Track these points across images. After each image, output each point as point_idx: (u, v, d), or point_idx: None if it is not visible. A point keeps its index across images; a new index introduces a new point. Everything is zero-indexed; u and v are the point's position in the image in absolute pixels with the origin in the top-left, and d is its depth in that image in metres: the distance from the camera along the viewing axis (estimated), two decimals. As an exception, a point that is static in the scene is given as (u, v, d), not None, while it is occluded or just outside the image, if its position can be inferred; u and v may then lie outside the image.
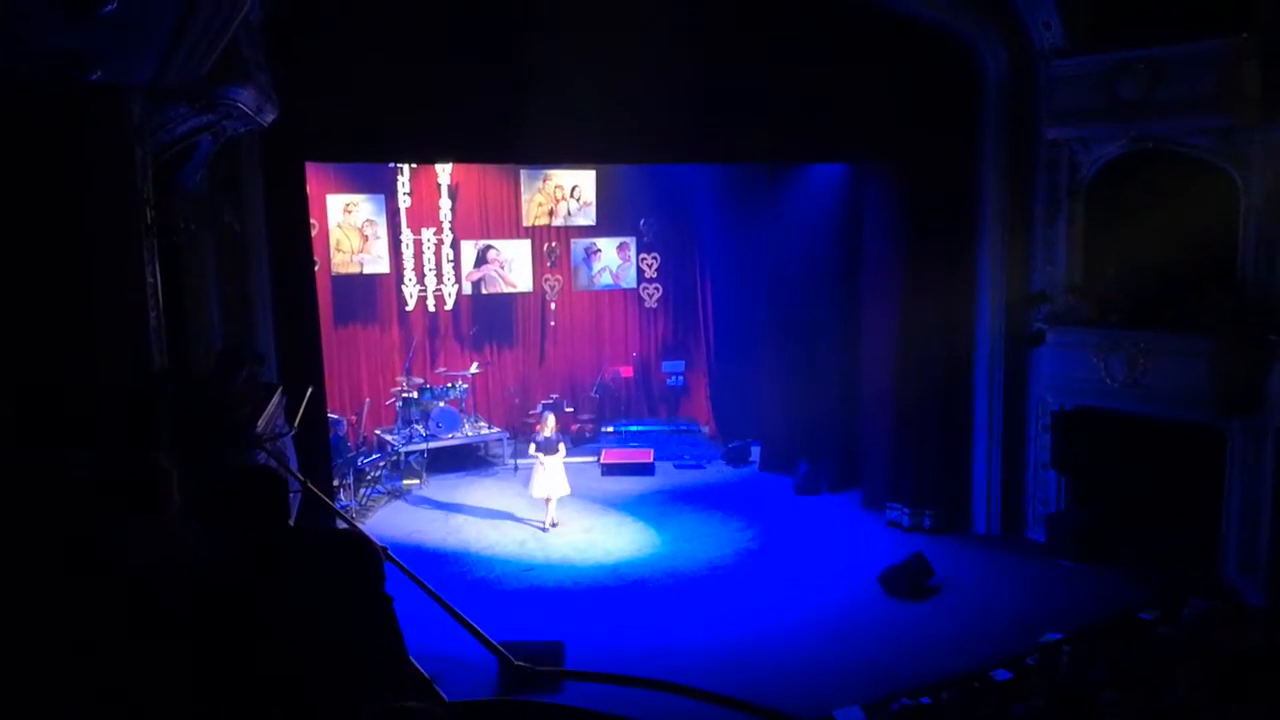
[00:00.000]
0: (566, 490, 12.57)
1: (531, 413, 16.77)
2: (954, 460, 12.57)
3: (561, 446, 12.57)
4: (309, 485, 6.95)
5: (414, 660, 3.69)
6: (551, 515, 12.45)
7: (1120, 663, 7.86)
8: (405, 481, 14.44)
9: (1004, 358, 12.20)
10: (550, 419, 12.63)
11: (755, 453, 15.59)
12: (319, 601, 2.86)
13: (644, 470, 14.92)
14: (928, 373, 12.48)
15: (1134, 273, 10.99)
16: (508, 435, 15.91)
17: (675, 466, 15.46)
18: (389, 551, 3.69)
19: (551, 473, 12.35)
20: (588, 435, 16.82)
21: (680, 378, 17.53)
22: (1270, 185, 10.11)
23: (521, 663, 8.16)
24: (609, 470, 14.90)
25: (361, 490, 13.43)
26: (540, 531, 12.28)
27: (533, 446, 12.56)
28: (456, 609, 6.75)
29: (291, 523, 3.66)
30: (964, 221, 12.24)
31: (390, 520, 13.00)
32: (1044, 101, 11.50)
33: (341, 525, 8.32)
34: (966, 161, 12.14)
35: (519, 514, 12.94)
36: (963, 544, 12.14)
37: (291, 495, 7.32)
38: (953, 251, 12.28)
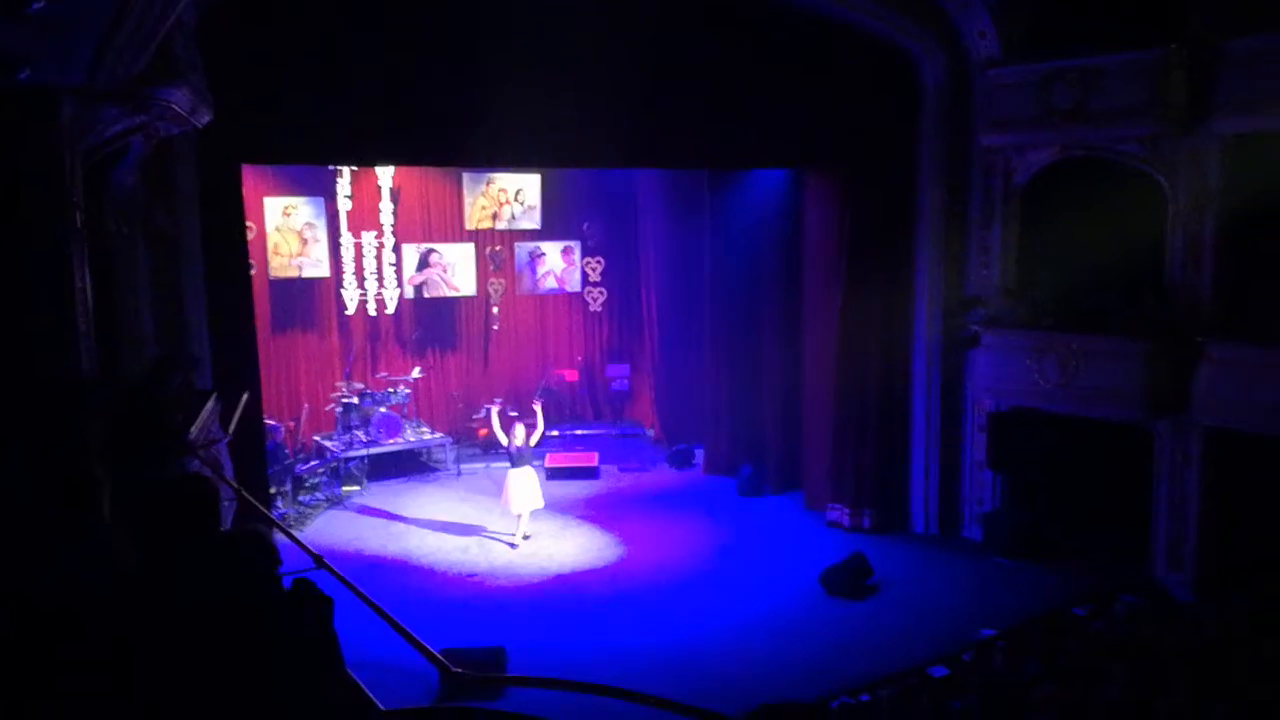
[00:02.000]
0: (540, 503, 12.22)
1: (476, 417, 16.72)
2: (893, 461, 12.78)
3: (535, 461, 12.22)
4: (243, 493, 6.86)
5: (350, 669, 3.69)
6: (524, 529, 12.15)
7: (1054, 658, 8.08)
8: (345, 488, 14.28)
9: (941, 360, 12.43)
10: (520, 429, 12.15)
11: (699, 456, 15.68)
12: (213, 608, 2.83)
13: (589, 474, 14.95)
14: (867, 375, 12.68)
15: (1066, 276, 11.28)
16: (450, 440, 15.82)
17: (620, 470, 15.50)
18: (324, 560, 3.67)
19: (526, 485, 12.00)
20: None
21: (625, 381, 17.59)
22: (1196, 191, 10.48)
23: (459, 669, 8.13)
24: (554, 474, 14.89)
25: (299, 497, 13.25)
26: (509, 547, 11.99)
27: (510, 460, 12.05)
28: (395, 617, 6.72)
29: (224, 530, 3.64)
30: (902, 227, 12.46)
31: (329, 528, 12.85)
32: (980, 109, 11.78)
33: (280, 535, 8.22)
34: (905, 168, 12.36)
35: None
36: (901, 543, 12.35)
37: (226, 503, 7.23)
38: (892, 256, 12.49)
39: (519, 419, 13.14)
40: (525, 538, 12.17)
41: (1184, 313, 10.53)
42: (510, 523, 12.36)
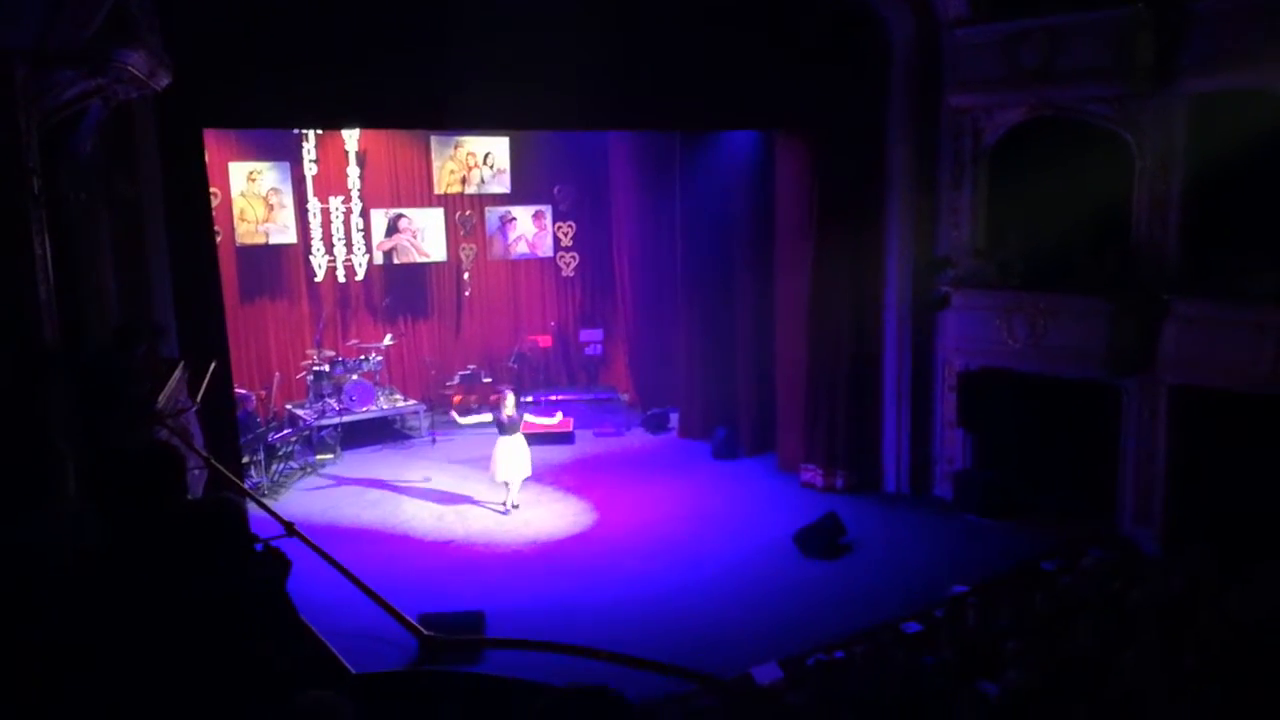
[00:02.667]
0: (528, 471, 12.14)
1: (449, 384, 16.64)
2: (865, 422, 12.86)
3: (521, 423, 12.10)
4: (213, 462, 6.77)
5: (325, 637, 3.65)
6: (514, 497, 12.09)
7: (1023, 612, 8.19)
8: (318, 457, 14.20)
9: (911, 320, 12.48)
10: (510, 397, 12.06)
11: (674, 420, 15.73)
12: (180, 575, 2.78)
13: (564, 439, 14.94)
14: (839, 337, 12.71)
15: (1035, 236, 11.31)
16: (424, 407, 15.74)
17: (595, 435, 15.50)
18: (295, 527, 3.62)
19: (514, 453, 11.92)
20: (491, 400, 16.71)
21: (598, 346, 17.54)
22: (1162, 150, 10.51)
23: (432, 633, 8.12)
24: (528, 440, 14.80)
25: (273, 467, 13.16)
26: (501, 514, 11.94)
27: (499, 428, 11.96)
28: (369, 585, 6.68)
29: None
30: (873, 188, 12.44)
31: (303, 497, 12.78)
32: (949, 70, 11.73)
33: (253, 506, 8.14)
34: (875, 130, 12.31)
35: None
36: (874, 503, 12.47)
37: (195, 472, 7.14)
38: (862, 218, 12.48)
39: (506, 387, 13.12)
40: (514, 506, 12.09)
41: (1150, 271, 10.60)
42: (499, 491, 12.30)
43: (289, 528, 3.53)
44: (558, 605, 9.60)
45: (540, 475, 13.36)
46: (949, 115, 11.89)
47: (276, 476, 13.18)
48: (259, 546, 3.17)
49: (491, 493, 12.52)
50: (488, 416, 12.28)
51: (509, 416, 11.92)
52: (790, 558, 10.76)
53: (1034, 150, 11.26)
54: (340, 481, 13.42)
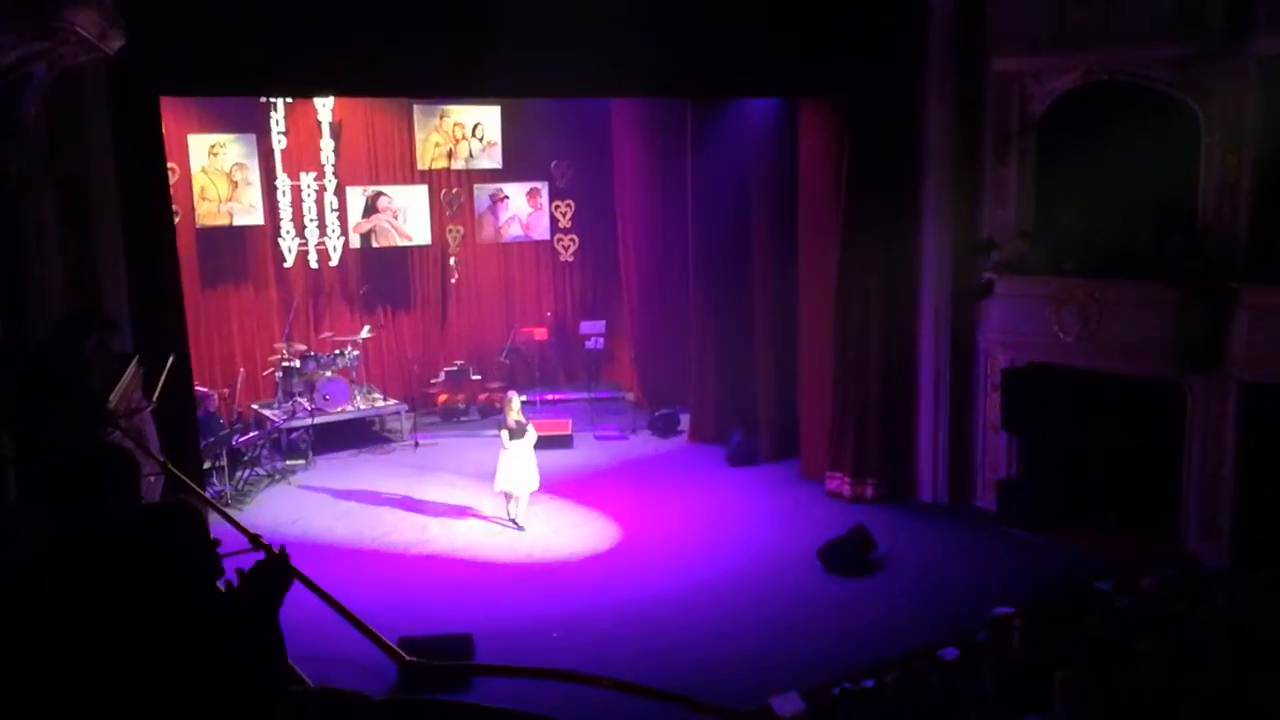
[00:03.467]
0: (537, 483, 12.08)
1: (433, 381, 16.65)
2: (898, 424, 12.85)
3: (531, 430, 12.01)
4: (170, 467, 6.78)
5: (295, 663, 3.66)
6: (521, 512, 12.00)
7: (1075, 637, 8.17)
8: (287, 462, 14.22)
9: (951, 311, 12.45)
10: (515, 399, 12.04)
11: (685, 422, 15.72)
12: (129, 591, 2.78)
13: (561, 443, 14.94)
14: (869, 329, 12.69)
15: (1089, 216, 11.28)
16: (405, 408, 15.76)
17: (596, 438, 15.51)
18: (262, 540, 3.62)
19: (521, 462, 11.85)
20: (497, 406, 16.71)
21: (600, 340, 17.52)
22: (1232, 119, 10.45)
23: (414, 659, 8.13)
24: (521, 444, 14.88)
25: (237, 473, 13.18)
26: (513, 530, 11.92)
27: (505, 435, 11.86)
28: (343, 603, 6.68)
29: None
30: (907, 162, 12.41)
31: (270, 506, 12.80)
32: (993, 30, 11.67)
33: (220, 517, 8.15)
34: (911, 97, 12.28)
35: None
36: (907, 514, 12.45)
37: (150, 479, 7.15)
38: (896, 196, 12.45)
39: (507, 387, 13.07)
40: (516, 523, 11.99)
41: (1218, 255, 10.55)
42: (499, 503, 12.26)
43: (254, 540, 3.54)
44: (554, 628, 9.60)
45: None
46: (993, 81, 11.84)
47: (241, 484, 13.19)
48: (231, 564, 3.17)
49: (493, 506, 12.50)
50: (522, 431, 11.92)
51: (516, 421, 11.88)
52: (814, 575, 10.75)
53: (1088, 120, 11.22)
54: (311, 489, 13.43)
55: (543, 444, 14.44)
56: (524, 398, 13.21)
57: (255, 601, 3.07)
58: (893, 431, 12.85)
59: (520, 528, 11.96)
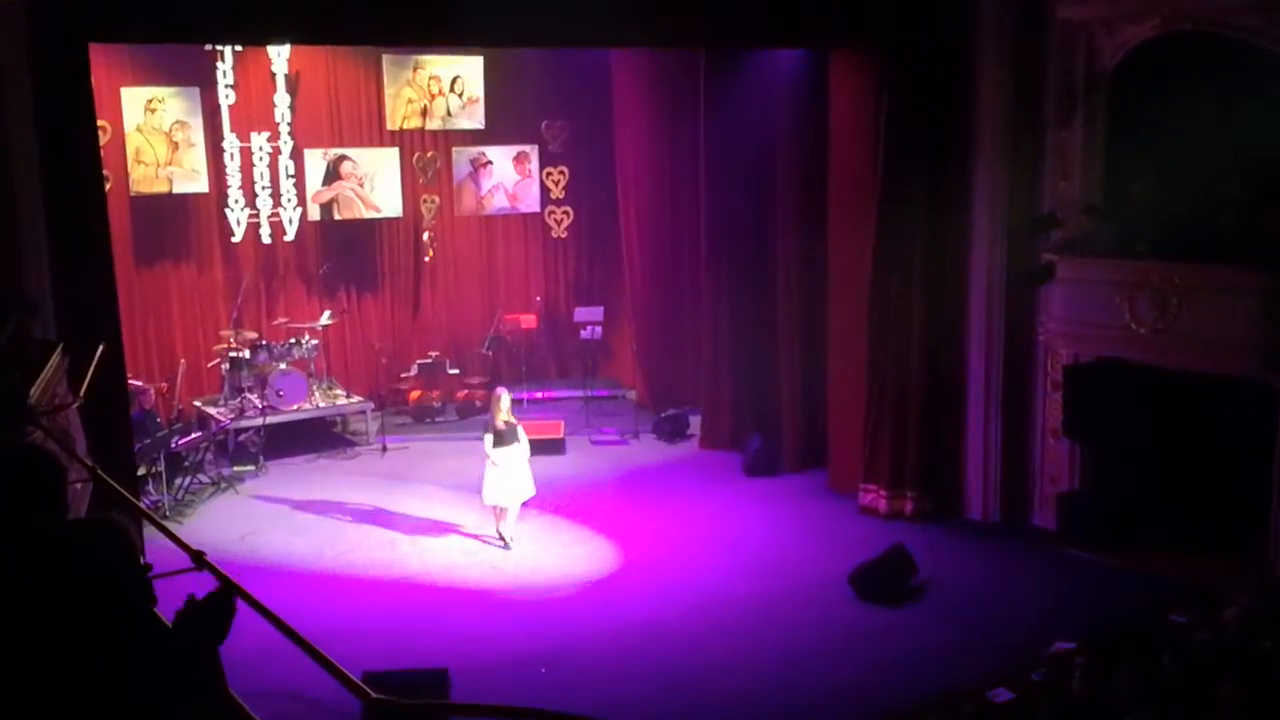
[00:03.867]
0: (531, 491, 12.07)
1: (404, 375, 16.65)
2: (942, 429, 12.84)
3: (522, 434, 11.97)
4: (100, 473, 6.77)
5: (244, 700, 3.65)
6: (511, 527, 12.00)
7: (1146, 677, 8.16)
8: (235, 468, 14.24)
9: (1005, 298, 12.43)
10: (504, 397, 12.01)
11: (695, 424, 15.73)
12: (48, 615, 2.78)
13: (552, 448, 14.94)
14: (910, 319, 12.67)
15: (1167, 189, 11.26)
16: (372, 406, 15.77)
17: (592, 443, 15.53)
18: (206, 558, 3.61)
19: (511, 470, 11.82)
20: (478, 404, 16.76)
21: (597, 329, 17.53)
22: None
23: (381, 696, 8.15)
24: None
25: (176, 481, 13.20)
26: (502, 549, 11.92)
27: (489, 440, 11.82)
28: (299, 632, 6.68)
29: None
30: (956, 125, 12.38)
31: (216, 519, 12.82)
32: (1057, -30, 11.67)
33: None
34: (960, 49, 12.26)
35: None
36: (953, 533, 12.46)
37: (77, 486, 7.13)
38: (942, 165, 12.43)
39: (491, 382, 12.99)
40: (508, 540, 11.97)
41: (1318, 235, 10.53)
42: (486, 517, 12.27)
43: (197, 558, 3.52)
44: (544, 661, 9.62)
45: (521, 494, 13.40)
46: (1057, 30, 11.82)
47: (181, 493, 13.21)
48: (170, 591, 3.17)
49: (476, 520, 12.51)
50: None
51: (505, 423, 11.86)
52: (845, 603, 10.75)
53: (1167, 77, 11.19)
54: (263, 499, 13.45)
55: (531, 449, 14.45)
56: (512, 395, 13.21)
57: (197, 637, 3.07)
58: (937, 437, 12.84)
59: (508, 545, 11.96)
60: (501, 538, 12.06)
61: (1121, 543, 11.75)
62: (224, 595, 3.19)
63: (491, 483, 11.88)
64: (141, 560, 3.17)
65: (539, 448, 14.74)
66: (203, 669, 3.03)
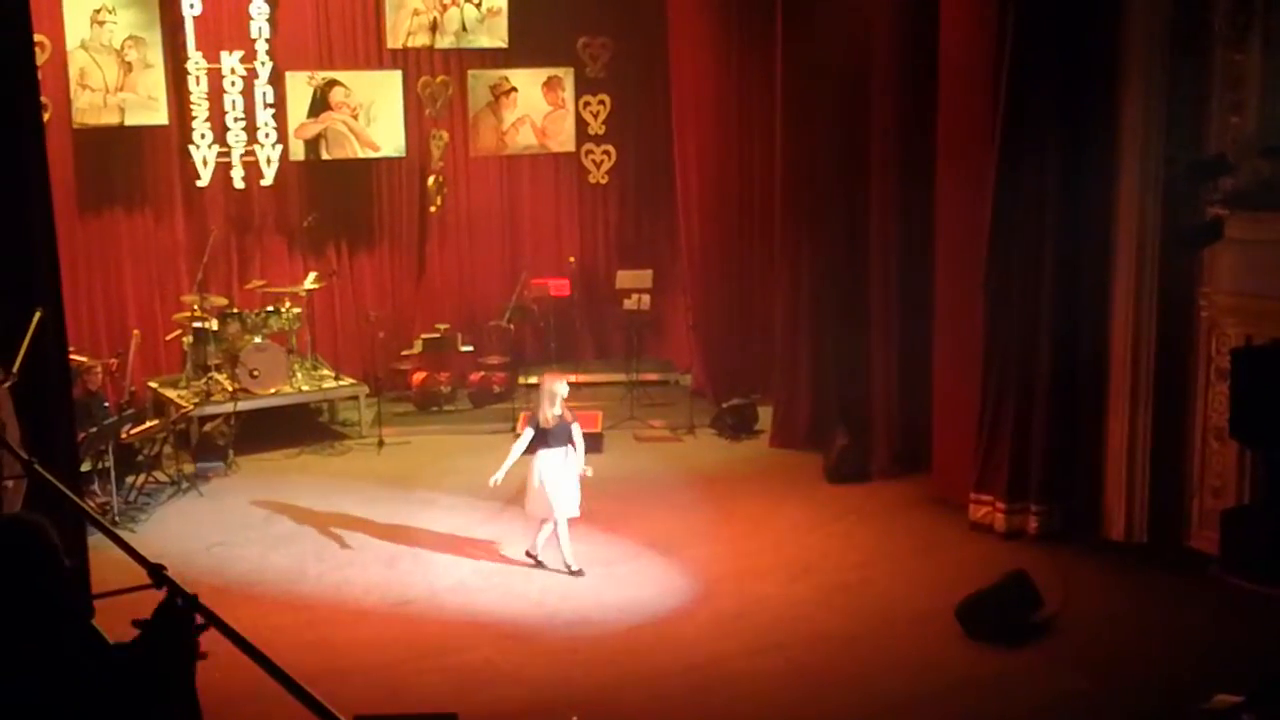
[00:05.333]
0: (576, 511, 11.99)
1: (406, 353, 16.69)
2: (1076, 429, 12.75)
3: (578, 434, 11.92)
4: (37, 468, 6.84)
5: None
6: (566, 545, 11.93)
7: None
8: (200, 465, 14.38)
9: (1159, 264, 12.31)
10: (559, 385, 11.91)
11: (765, 418, 15.75)
12: None
13: (589, 444, 14.92)
14: (1038, 293, 12.58)
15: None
16: (367, 391, 15.85)
17: (637, 439, 15.56)
18: (166, 573, 3.63)
19: (562, 474, 11.80)
20: (497, 389, 16.82)
21: (645, 298, 17.52)
22: None
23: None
24: (530, 446, 14.89)
25: (129, 478, 13.33)
26: (532, 566, 11.97)
27: (524, 439, 11.89)
28: (279, 666, 6.72)
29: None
30: (1099, 50, 12.26)
31: (176, 526, 12.95)
32: None
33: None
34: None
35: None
36: (1088, 557, 12.36)
37: (9, 485, 7.19)
38: (1081, 99, 12.31)
39: (508, 364, 13.04)
40: (559, 564, 11.96)
41: None
42: (513, 531, 12.40)
43: (155, 572, 3.54)
44: (576, 709, 9.62)
45: (550, 501, 13.44)
46: (1229, -76, 11.68)
47: (134, 494, 13.35)
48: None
49: (500, 533, 12.63)
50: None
51: (554, 416, 11.78)
52: (952, 641, 10.70)
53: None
54: (234, 502, 13.56)
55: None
56: (531, 379, 13.25)
57: (159, 663, 3.10)
58: (1068, 438, 12.76)
59: (578, 571, 11.90)
60: (531, 556, 12.10)
61: (1302, 572, 11.64)
62: (173, 604, 3.22)
63: (543, 489, 11.80)
64: (61, 562, 3.21)
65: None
66: (180, 699, 3.06)
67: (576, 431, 12.00)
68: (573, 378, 16.91)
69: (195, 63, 15.71)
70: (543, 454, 11.83)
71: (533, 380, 16.89)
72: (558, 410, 11.86)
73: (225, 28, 15.89)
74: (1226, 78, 11.93)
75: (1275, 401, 11.73)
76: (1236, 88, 11.89)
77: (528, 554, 12.14)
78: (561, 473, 11.86)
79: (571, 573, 11.92)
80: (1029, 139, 12.41)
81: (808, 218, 14.85)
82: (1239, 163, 11.76)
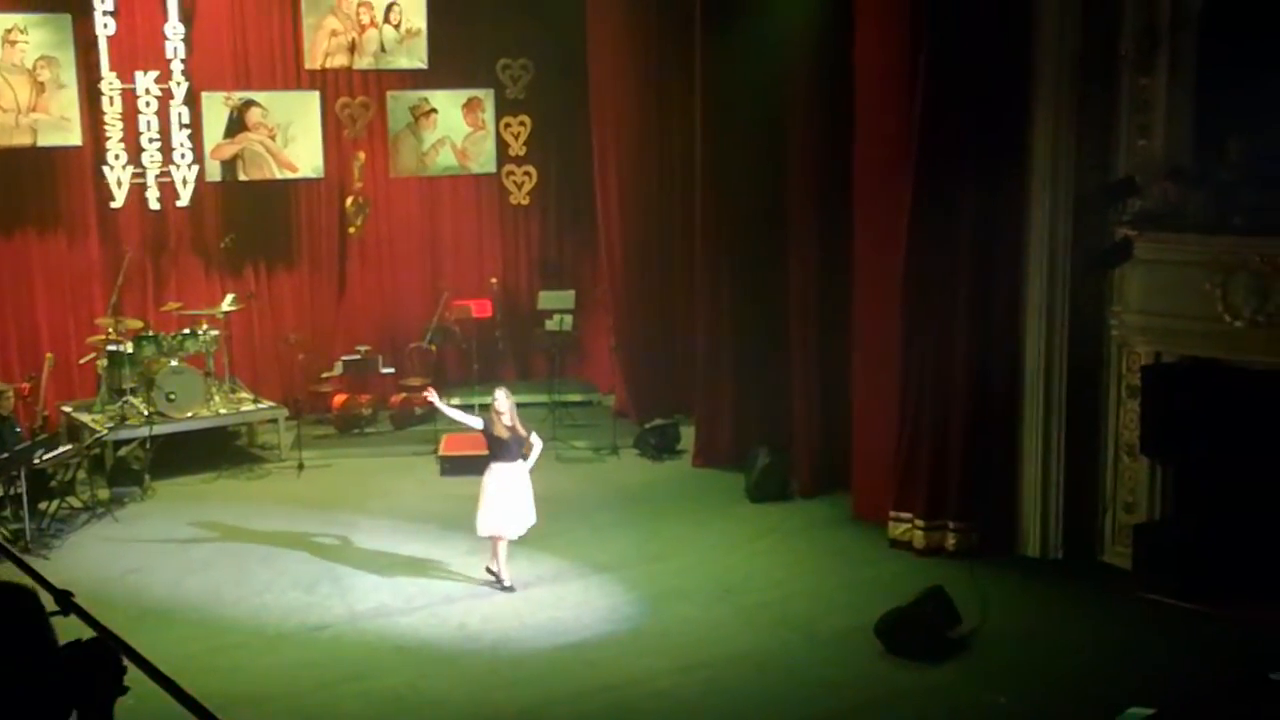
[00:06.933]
0: (532, 519, 12.05)
1: (326, 376, 16.58)
2: (992, 445, 12.85)
3: (534, 443, 11.99)
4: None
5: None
6: (504, 565, 11.96)
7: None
8: (115, 490, 14.22)
9: (1068, 284, 12.45)
10: (507, 399, 11.86)
11: (688, 438, 15.80)
12: None
13: (480, 470, 14.91)
14: (953, 310, 12.69)
15: (1270, 150, 11.29)
16: (286, 414, 15.74)
17: (560, 459, 15.54)
18: (73, 599, 3.62)
19: (513, 492, 11.86)
20: (418, 412, 16.75)
21: (568, 318, 17.54)
22: None
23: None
24: (452, 467, 14.88)
25: (41, 504, 13.16)
26: (497, 589, 11.92)
27: (475, 421, 12.07)
28: (192, 695, 6.68)
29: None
30: (1012, 71, 12.39)
31: (91, 552, 12.81)
32: None
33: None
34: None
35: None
36: (1005, 573, 12.45)
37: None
38: (995, 119, 12.43)
39: (428, 386, 12.92)
40: (503, 581, 11.98)
41: None
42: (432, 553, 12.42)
43: (62, 599, 3.52)
44: (497, 733, 9.63)
45: (471, 524, 13.36)
46: (1137, -49, 11.88)
47: (47, 520, 13.17)
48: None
49: (420, 555, 12.65)
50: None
51: (508, 429, 11.79)
52: (871, 658, 10.75)
53: (1272, 13, 11.22)
54: (150, 528, 13.42)
55: (479, 466, 14.47)
56: (454, 401, 13.17)
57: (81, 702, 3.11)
58: (985, 456, 12.86)
59: (508, 586, 11.94)
60: (494, 575, 12.04)
61: (1212, 585, 11.78)
62: (100, 645, 3.22)
63: (493, 506, 11.80)
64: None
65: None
66: None
67: (536, 440, 12.03)
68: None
69: (109, 83, 15.59)
70: (495, 468, 11.87)
71: (454, 401, 16.87)
72: (507, 420, 11.83)
73: (140, 48, 15.76)
74: (1134, 101, 12.12)
75: (1183, 418, 11.93)
76: (1144, 111, 12.08)
77: (491, 573, 12.07)
78: (515, 488, 11.87)
79: (504, 587, 11.94)
80: (943, 164, 12.52)
81: (728, 238, 14.92)
82: (1147, 185, 11.95)
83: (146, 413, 14.64)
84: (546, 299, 17.71)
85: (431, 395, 12.55)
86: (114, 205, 15.89)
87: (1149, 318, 11.95)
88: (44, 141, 15.47)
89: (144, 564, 12.53)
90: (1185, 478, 12.31)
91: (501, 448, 11.83)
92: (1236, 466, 11.87)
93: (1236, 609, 11.51)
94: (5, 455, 12.56)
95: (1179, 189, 11.78)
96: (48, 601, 3.53)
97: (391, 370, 16.89)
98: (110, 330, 15.10)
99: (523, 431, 11.95)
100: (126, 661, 3.33)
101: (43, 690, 3.17)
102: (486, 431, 11.94)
